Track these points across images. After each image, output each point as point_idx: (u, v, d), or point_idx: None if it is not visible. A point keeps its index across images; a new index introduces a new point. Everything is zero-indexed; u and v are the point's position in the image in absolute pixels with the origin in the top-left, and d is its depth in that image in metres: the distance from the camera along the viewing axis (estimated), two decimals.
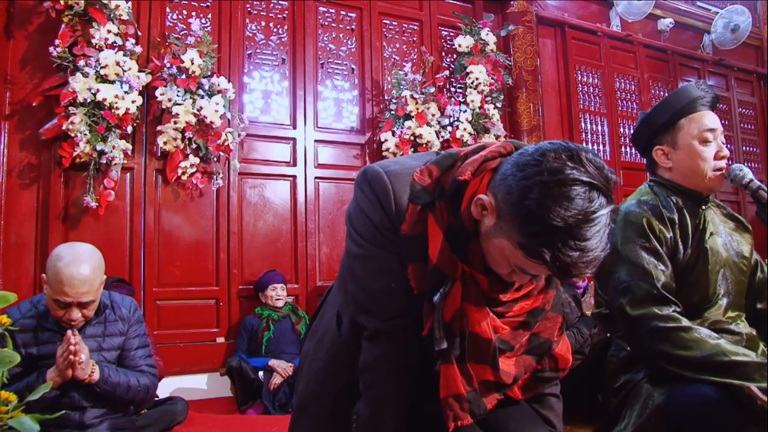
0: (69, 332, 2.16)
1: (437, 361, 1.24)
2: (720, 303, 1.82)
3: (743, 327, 1.85)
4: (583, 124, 6.37)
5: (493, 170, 1.16)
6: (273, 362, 4.01)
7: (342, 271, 1.47)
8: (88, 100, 3.70)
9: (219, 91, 4.16)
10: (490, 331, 1.22)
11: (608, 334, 2.00)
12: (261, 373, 4.01)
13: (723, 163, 1.82)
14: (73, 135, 3.67)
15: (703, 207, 1.86)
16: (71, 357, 2.12)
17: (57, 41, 3.75)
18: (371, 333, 1.28)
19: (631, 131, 6.58)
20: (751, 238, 1.96)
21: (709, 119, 1.82)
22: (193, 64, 3.99)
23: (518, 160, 1.08)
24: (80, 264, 2.18)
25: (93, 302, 2.26)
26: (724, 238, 1.87)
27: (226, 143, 4.20)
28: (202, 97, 4.10)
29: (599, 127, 6.47)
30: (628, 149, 6.55)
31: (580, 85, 6.43)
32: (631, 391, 1.76)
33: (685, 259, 1.80)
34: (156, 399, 3.28)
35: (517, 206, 1.03)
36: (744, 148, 7.46)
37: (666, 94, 6.84)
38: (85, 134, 3.67)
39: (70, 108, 3.71)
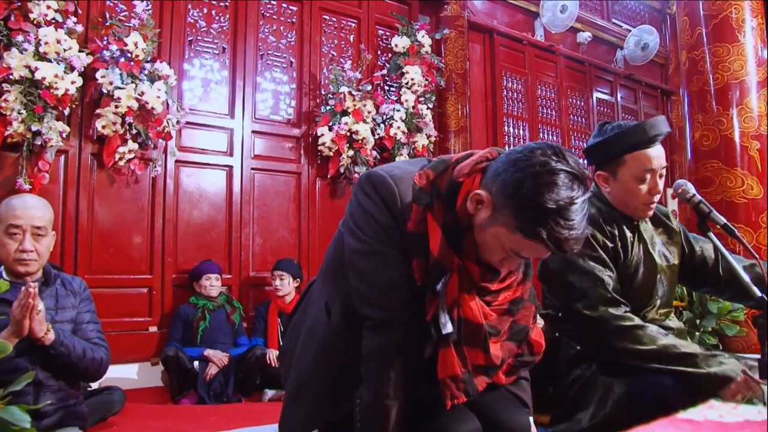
0: (24, 288, 2.09)
1: (428, 348, 1.37)
2: (655, 303, 2.05)
3: (674, 322, 2.10)
4: (506, 128, 6.66)
5: (482, 171, 1.33)
6: (208, 352, 4.01)
7: (326, 266, 1.59)
8: (25, 78, 3.55)
9: (160, 77, 4.07)
10: (480, 316, 1.38)
11: (557, 334, 2.18)
12: (196, 363, 4.00)
13: (655, 198, 1.96)
14: (6, 113, 3.50)
15: (636, 222, 2.06)
16: (30, 301, 2.05)
17: None
18: (375, 323, 1.39)
19: (550, 137, 7.00)
20: (679, 237, 2.17)
21: (653, 158, 1.91)
22: (137, 47, 3.89)
23: (508, 158, 1.26)
24: (32, 197, 2.43)
25: (45, 234, 2.30)
26: (658, 246, 2.10)
27: (166, 130, 4.13)
28: (143, 82, 4.00)
29: (521, 131, 6.78)
30: None
31: (505, 90, 6.71)
32: (585, 383, 1.96)
33: (626, 268, 1.99)
34: (90, 389, 3.22)
35: (513, 196, 1.21)
36: None
37: (581, 104, 7.36)
38: (21, 113, 3.51)
39: (3, 85, 3.54)
